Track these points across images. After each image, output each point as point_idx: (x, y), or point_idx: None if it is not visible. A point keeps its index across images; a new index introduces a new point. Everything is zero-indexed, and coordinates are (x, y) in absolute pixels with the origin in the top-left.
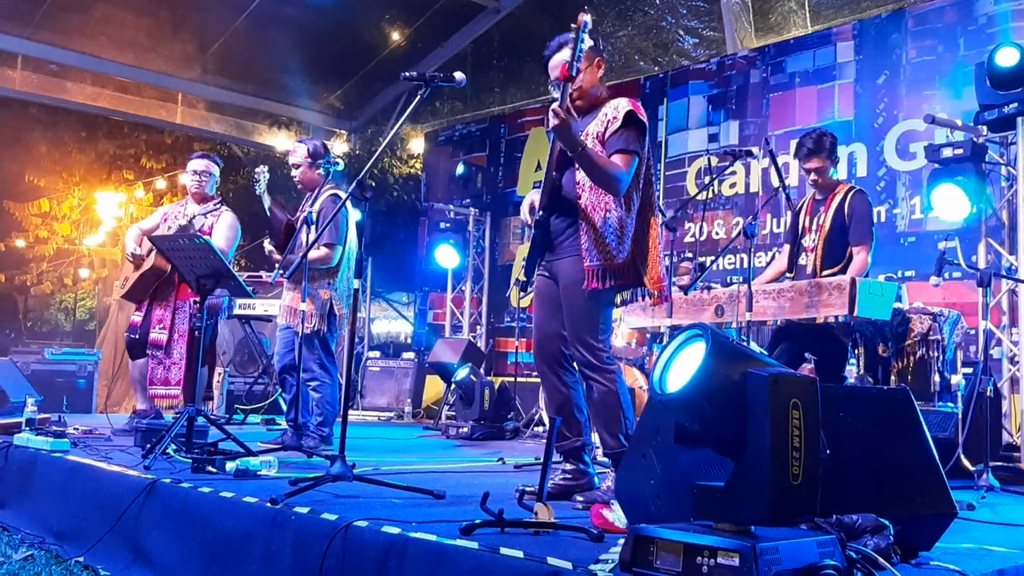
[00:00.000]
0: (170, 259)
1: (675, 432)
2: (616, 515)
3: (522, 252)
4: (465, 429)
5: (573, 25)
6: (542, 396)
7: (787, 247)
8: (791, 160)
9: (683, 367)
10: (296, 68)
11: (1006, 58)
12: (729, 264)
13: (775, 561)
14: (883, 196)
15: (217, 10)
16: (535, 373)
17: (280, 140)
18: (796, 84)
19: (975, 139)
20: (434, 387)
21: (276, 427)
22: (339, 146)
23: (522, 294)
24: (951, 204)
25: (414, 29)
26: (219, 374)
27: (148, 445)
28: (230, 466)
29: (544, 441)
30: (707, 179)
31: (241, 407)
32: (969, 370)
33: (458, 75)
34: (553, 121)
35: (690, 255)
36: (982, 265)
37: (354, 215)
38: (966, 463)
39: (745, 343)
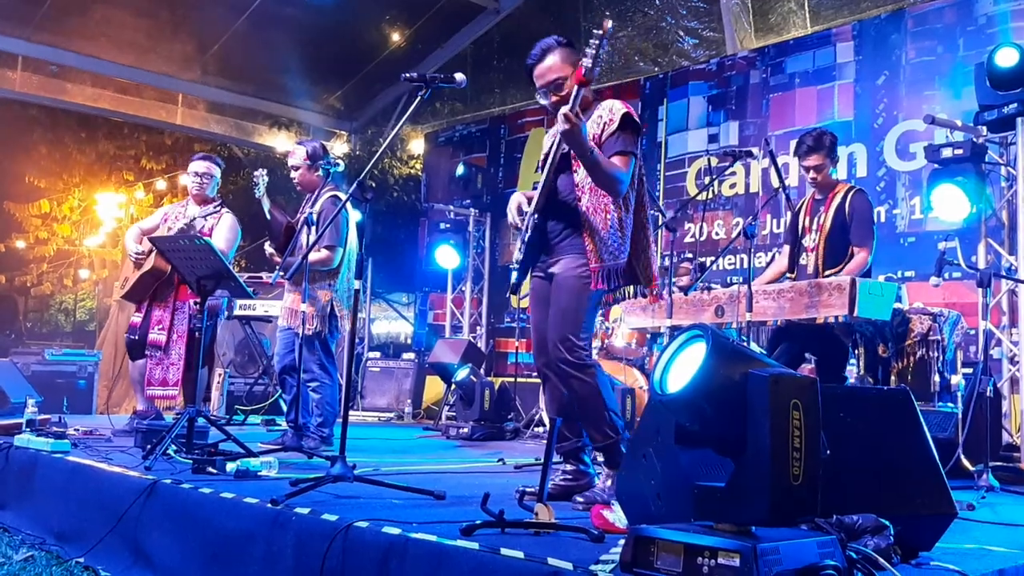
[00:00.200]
0: (170, 260)
1: (675, 432)
2: (617, 515)
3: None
4: (465, 430)
5: (597, 31)
6: (542, 397)
7: (787, 247)
8: (791, 160)
9: (683, 368)
10: (296, 69)
11: (1006, 58)
12: (729, 264)
13: (776, 561)
14: (883, 196)
15: (217, 11)
16: (535, 373)
17: (280, 141)
18: (796, 85)
19: (975, 139)
20: (434, 388)
21: (276, 428)
22: (339, 147)
23: (510, 296)
24: (951, 204)
25: (414, 30)
26: (219, 375)
27: (149, 446)
28: (231, 467)
29: (544, 442)
30: (707, 179)
31: (241, 408)
32: (969, 370)
33: (458, 76)
34: (565, 126)
35: (690, 255)
36: (982, 265)
37: (354, 216)
38: (966, 463)
39: (745, 344)
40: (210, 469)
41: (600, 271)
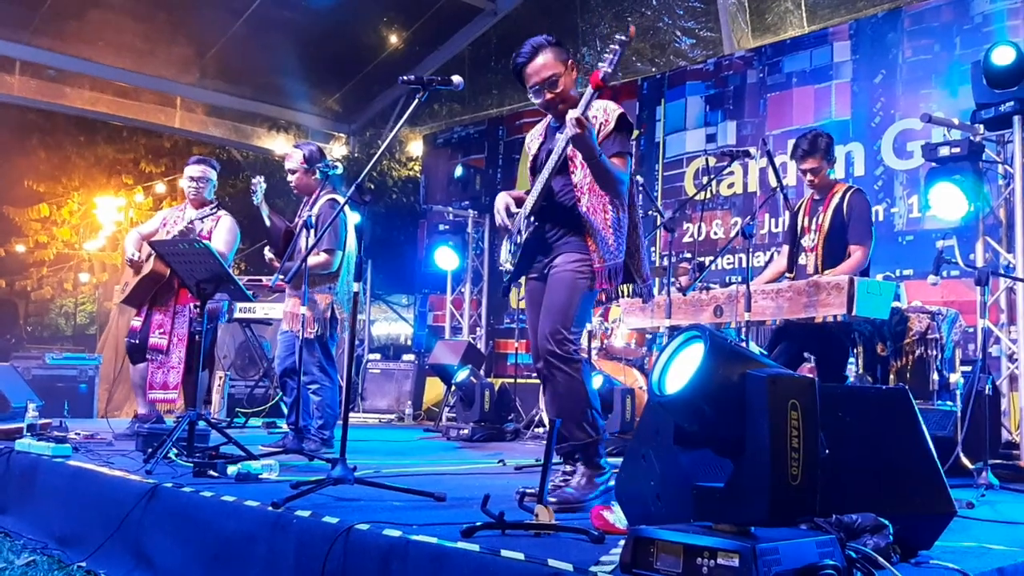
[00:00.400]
0: (170, 263)
1: (674, 433)
2: (616, 516)
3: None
4: (465, 431)
5: (621, 37)
6: (542, 398)
7: (786, 247)
8: (788, 160)
9: (682, 368)
10: (294, 71)
11: (1002, 57)
12: (728, 264)
13: (775, 561)
14: (881, 195)
15: (215, 14)
16: (535, 374)
17: (279, 143)
18: (793, 84)
19: (972, 138)
20: (434, 389)
21: (277, 430)
22: (338, 149)
23: (505, 297)
24: (948, 203)
25: (412, 32)
26: (220, 378)
27: (149, 449)
28: (231, 470)
29: (544, 443)
30: (705, 179)
31: (242, 410)
32: (968, 368)
33: (456, 78)
34: (576, 130)
35: (688, 255)
36: (980, 263)
37: (353, 218)
38: (965, 461)
39: (744, 344)
40: (211, 472)
41: (603, 271)
